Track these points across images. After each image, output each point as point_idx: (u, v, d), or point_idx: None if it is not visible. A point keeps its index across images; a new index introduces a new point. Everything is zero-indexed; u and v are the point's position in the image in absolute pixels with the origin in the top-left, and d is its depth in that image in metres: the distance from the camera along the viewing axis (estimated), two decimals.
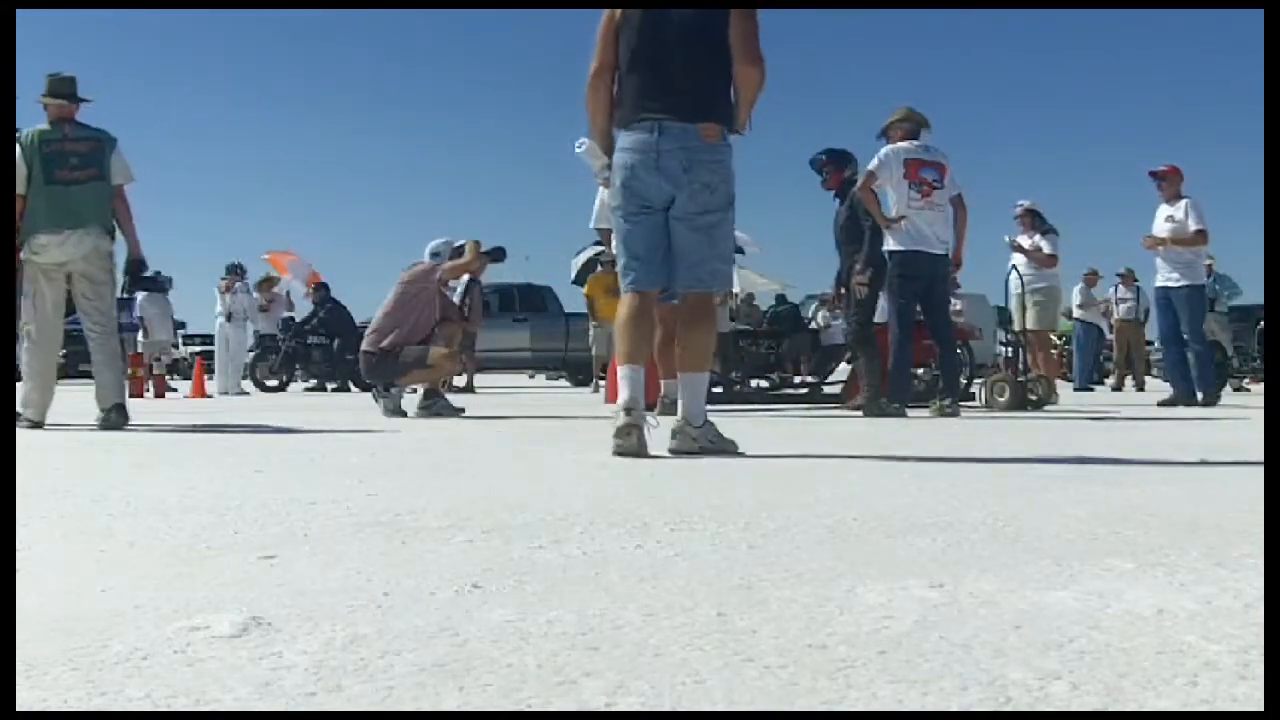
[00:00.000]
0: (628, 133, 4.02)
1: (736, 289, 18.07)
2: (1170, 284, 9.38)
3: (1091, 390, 14.64)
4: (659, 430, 3.96)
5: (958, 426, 6.00)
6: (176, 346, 18.40)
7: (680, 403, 4.13)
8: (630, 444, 3.84)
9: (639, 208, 4.04)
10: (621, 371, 4.04)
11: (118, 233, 6.09)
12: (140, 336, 16.43)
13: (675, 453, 3.95)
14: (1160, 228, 9.37)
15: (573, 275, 9.94)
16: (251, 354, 16.47)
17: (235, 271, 15.65)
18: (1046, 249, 9.85)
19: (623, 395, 3.93)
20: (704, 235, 4.03)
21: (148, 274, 6.60)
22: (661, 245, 4.07)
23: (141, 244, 6.29)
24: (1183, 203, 9.29)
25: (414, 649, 1.25)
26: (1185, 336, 9.38)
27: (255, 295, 16.49)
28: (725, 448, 3.97)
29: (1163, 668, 1.17)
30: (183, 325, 17.47)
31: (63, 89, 6.01)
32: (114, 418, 5.86)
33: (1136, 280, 15.48)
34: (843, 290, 8.07)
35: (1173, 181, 9.42)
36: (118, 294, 6.25)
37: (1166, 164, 9.51)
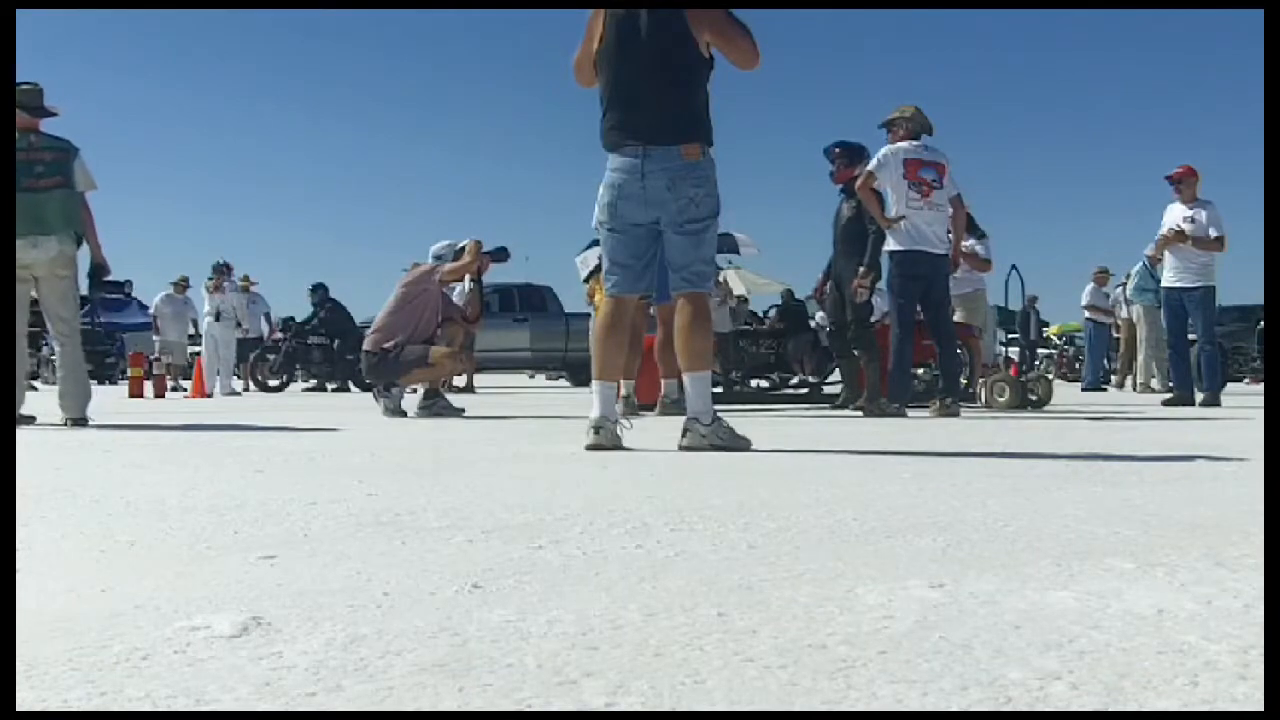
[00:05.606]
0: (616, 155, 4.26)
1: (740, 291, 18.13)
2: (1184, 285, 9.38)
3: (1103, 390, 14.63)
4: (664, 430, 3.97)
5: (958, 426, 6.00)
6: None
7: (687, 401, 4.29)
8: (600, 439, 4.09)
9: (624, 225, 4.30)
10: (594, 386, 4.30)
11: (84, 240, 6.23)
12: (154, 335, 16.59)
13: (686, 449, 4.10)
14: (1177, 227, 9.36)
15: (584, 275, 9.87)
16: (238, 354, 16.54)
17: (221, 270, 15.68)
18: (981, 253, 9.84)
19: (593, 412, 4.11)
20: (691, 239, 4.25)
21: (109, 279, 6.72)
22: (644, 255, 4.35)
23: (103, 247, 6.40)
24: (1204, 209, 9.30)
25: (414, 649, 1.25)
26: (1198, 337, 9.38)
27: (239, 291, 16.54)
28: (737, 445, 4.07)
29: (1163, 668, 1.17)
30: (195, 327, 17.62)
31: (30, 101, 6.10)
32: (78, 422, 5.99)
33: None
34: (828, 284, 8.08)
35: (1190, 184, 9.42)
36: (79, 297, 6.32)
37: (1181, 165, 9.51)
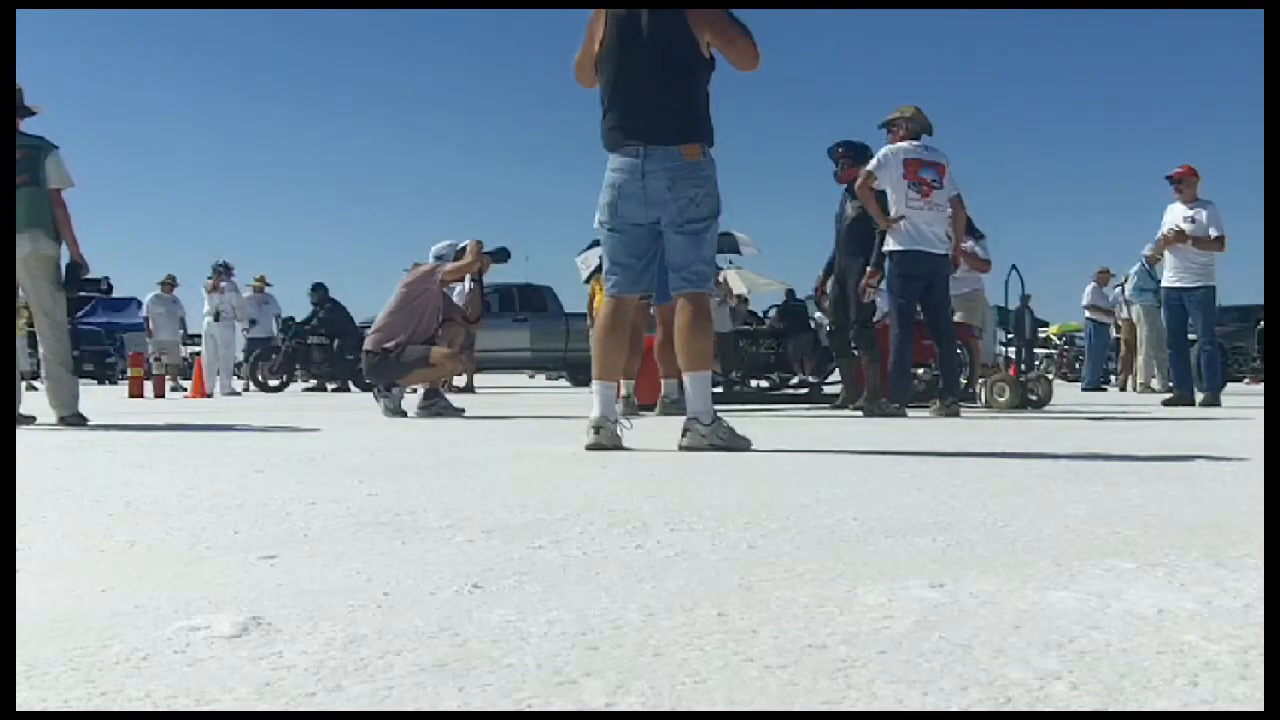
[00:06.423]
0: (616, 155, 4.26)
1: (741, 291, 18.12)
2: (1184, 285, 9.38)
3: (1104, 390, 14.63)
4: (664, 430, 3.97)
5: (958, 426, 6.00)
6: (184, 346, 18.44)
7: (687, 401, 4.30)
8: (600, 439, 4.09)
9: (624, 224, 4.30)
10: (594, 386, 4.30)
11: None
12: (146, 336, 16.59)
13: (686, 449, 4.10)
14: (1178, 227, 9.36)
15: (584, 275, 9.86)
16: (244, 354, 16.57)
17: (220, 271, 15.67)
18: (980, 254, 9.83)
19: (593, 412, 4.12)
20: (691, 239, 4.25)
21: (89, 277, 6.63)
22: (645, 255, 4.36)
23: (81, 245, 6.32)
24: (1204, 209, 9.30)
25: (414, 649, 1.25)
26: (1199, 337, 9.38)
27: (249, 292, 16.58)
28: (737, 445, 4.07)
29: (1163, 668, 1.17)
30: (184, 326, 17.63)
31: None
32: (71, 421, 5.99)
33: None
34: (829, 283, 8.07)
35: (1190, 183, 9.42)
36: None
37: (1182, 165, 9.50)
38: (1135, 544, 1.95)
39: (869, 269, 7.49)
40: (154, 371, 14.04)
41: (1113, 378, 16.71)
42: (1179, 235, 9.28)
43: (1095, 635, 1.30)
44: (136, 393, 13.04)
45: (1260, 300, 12.56)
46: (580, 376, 17.60)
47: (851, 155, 7.86)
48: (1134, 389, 14.58)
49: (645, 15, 4.19)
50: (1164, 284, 9.73)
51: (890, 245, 7.35)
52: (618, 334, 4.34)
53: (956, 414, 7.03)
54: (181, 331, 17.45)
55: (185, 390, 14.95)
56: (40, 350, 6.26)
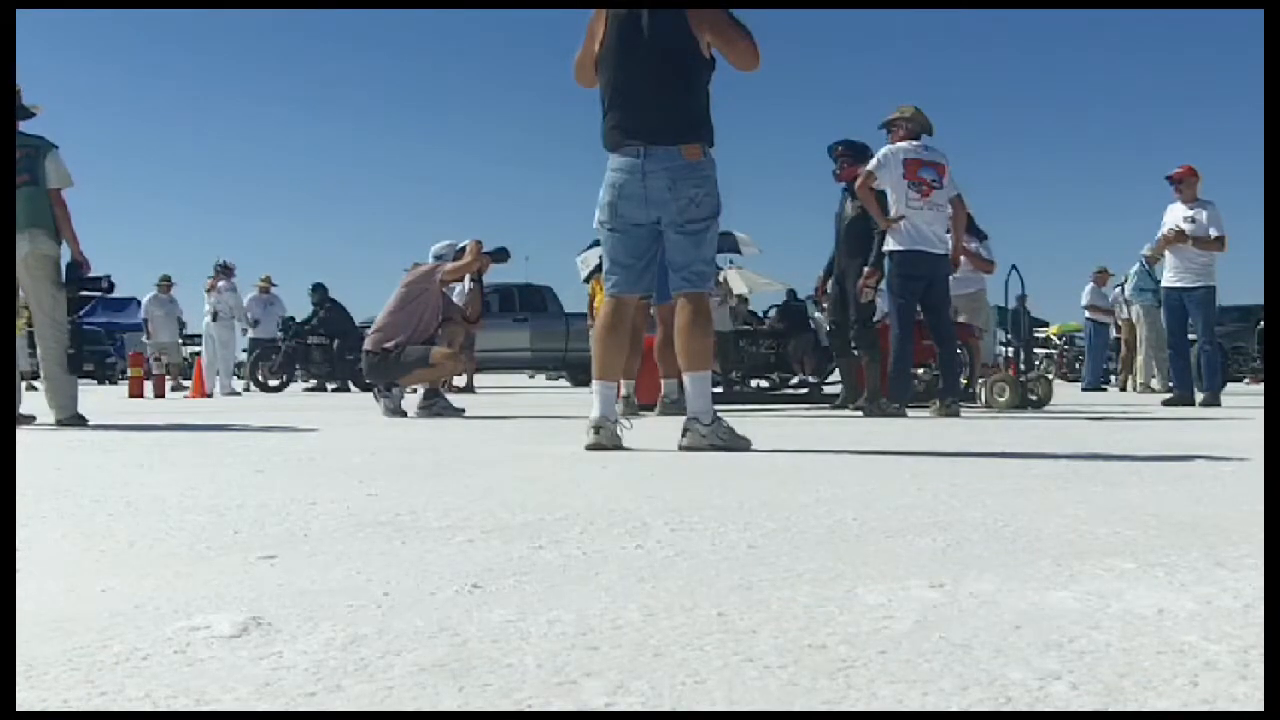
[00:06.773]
0: (616, 155, 4.27)
1: (741, 291, 18.11)
2: (1184, 285, 9.38)
3: (1104, 390, 14.64)
4: (664, 430, 3.97)
5: (958, 426, 6.00)
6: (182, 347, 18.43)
7: (687, 401, 4.30)
8: (600, 439, 4.09)
9: (625, 224, 4.31)
10: (594, 386, 4.31)
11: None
12: (144, 338, 16.59)
13: (686, 449, 4.11)
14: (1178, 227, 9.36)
15: (584, 275, 9.85)
16: (245, 354, 16.58)
17: (220, 271, 15.65)
18: (984, 255, 9.82)
19: (593, 412, 4.12)
20: (692, 239, 4.25)
21: (90, 275, 6.61)
22: (645, 255, 4.36)
23: (80, 243, 6.32)
24: (1204, 209, 9.30)
25: (414, 649, 1.25)
26: (1199, 337, 9.38)
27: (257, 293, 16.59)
28: (737, 445, 4.07)
29: (1163, 668, 1.17)
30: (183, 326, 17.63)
31: None
32: (69, 423, 5.99)
33: None
34: (829, 282, 8.07)
35: (1190, 183, 9.42)
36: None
37: (1182, 166, 9.50)
38: (1135, 544, 1.95)
39: (867, 269, 7.48)
40: (154, 371, 14.04)
41: (1113, 378, 16.71)
42: (1179, 235, 9.29)
43: (1095, 635, 1.30)
44: (136, 393, 13.04)
45: (1260, 300, 12.56)
46: (580, 376, 17.60)
47: (851, 154, 7.86)
48: (1134, 389, 14.57)
49: (646, 15, 4.19)
50: (1164, 284, 9.74)
51: (890, 245, 7.34)
52: (618, 334, 4.34)
53: (956, 414, 7.03)
54: (181, 331, 17.45)
55: (185, 390, 14.95)
56: (38, 351, 6.25)
